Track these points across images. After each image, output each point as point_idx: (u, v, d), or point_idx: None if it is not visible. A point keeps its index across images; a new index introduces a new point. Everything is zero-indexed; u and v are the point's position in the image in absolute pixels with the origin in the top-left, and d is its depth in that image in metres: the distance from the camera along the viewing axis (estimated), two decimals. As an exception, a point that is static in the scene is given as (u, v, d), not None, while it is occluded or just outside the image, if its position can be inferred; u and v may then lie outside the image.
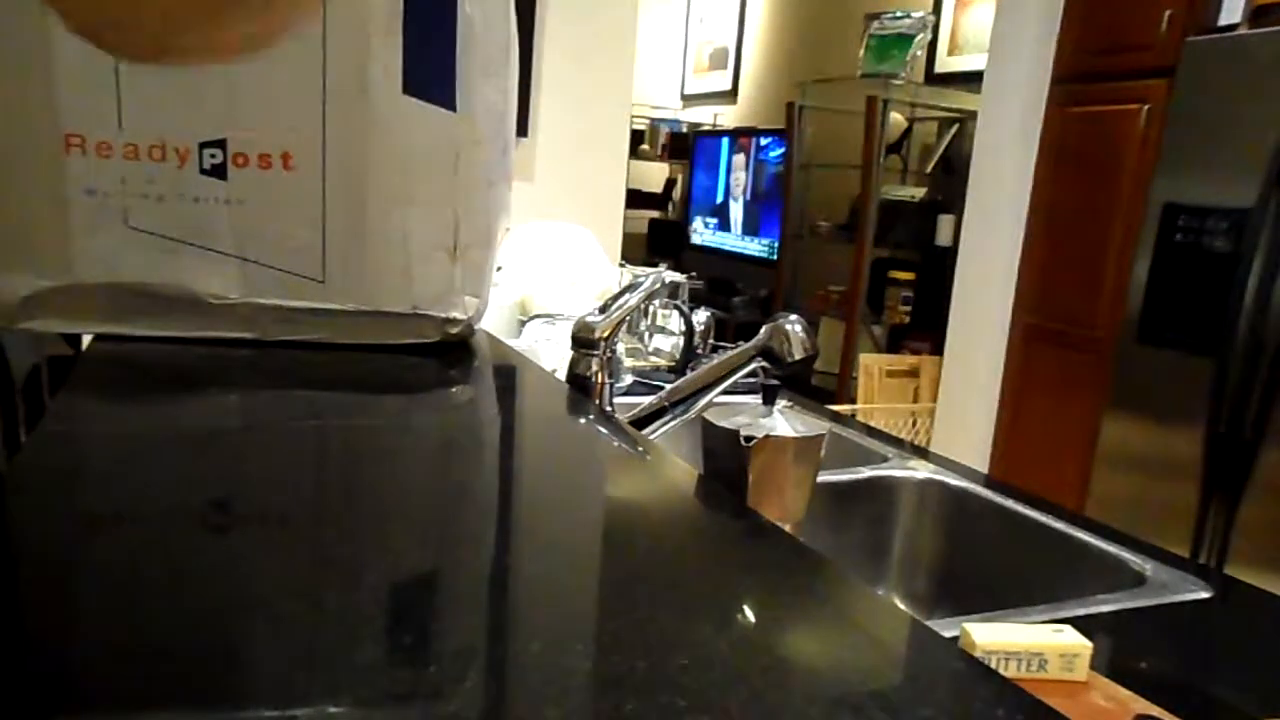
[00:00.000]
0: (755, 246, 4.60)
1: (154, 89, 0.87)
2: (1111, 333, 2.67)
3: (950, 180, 3.61)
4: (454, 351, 1.02)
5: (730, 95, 5.46)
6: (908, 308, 3.73)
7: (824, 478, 1.09)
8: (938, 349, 3.27)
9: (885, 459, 1.18)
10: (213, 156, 0.89)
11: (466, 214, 0.97)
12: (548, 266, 1.54)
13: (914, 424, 3.28)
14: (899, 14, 3.64)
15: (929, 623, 0.46)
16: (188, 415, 0.77)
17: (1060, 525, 0.99)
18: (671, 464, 0.72)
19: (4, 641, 0.36)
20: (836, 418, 1.35)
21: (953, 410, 3.11)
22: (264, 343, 0.94)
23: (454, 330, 1.00)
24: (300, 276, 0.92)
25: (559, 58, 1.87)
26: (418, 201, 0.94)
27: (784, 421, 0.80)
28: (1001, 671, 0.45)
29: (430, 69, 0.91)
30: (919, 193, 3.77)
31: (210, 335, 0.93)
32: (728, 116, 5.47)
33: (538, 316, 1.39)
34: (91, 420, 0.74)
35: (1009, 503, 1.05)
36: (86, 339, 0.97)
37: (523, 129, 1.84)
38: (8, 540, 0.48)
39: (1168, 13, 2.52)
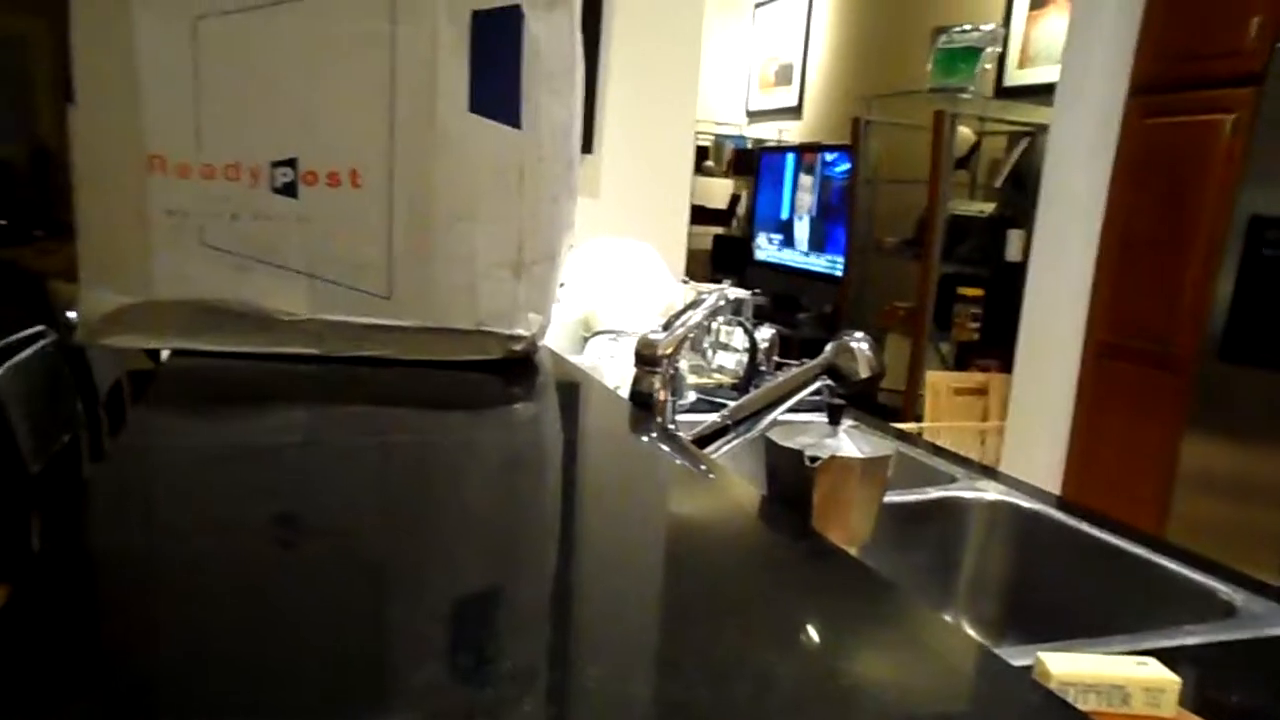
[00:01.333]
0: (820, 262, 4.56)
1: (230, 110, 0.90)
2: (1191, 350, 2.57)
3: (1020, 195, 3.53)
4: (517, 368, 1.03)
5: (795, 111, 5.44)
6: (976, 324, 3.65)
7: (890, 498, 1.07)
8: (1007, 366, 3.19)
9: (953, 479, 1.15)
10: (284, 175, 0.91)
11: (531, 231, 0.98)
12: (611, 283, 1.54)
13: (983, 443, 3.21)
14: (967, 27, 3.59)
15: (999, 651, 0.44)
16: (257, 430, 0.79)
17: (1141, 551, 0.95)
18: (734, 484, 0.71)
19: (82, 647, 0.37)
20: (903, 436, 1.33)
21: (1023, 429, 3.03)
22: (330, 358, 0.96)
23: (517, 347, 1.01)
24: (366, 293, 0.94)
25: (624, 75, 1.88)
26: (482, 218, 0.95)
27: (849, 441, 0.78)
28: (1080, 706, 0.43)
29: (496, 87, 0.92)
30: (988, 208, 3.70)
31: (279, 351, 0.94)
32: (793, 132, 5.44)
33: (601, 333, 1.39)
34: (167, 434, 0.76)
35: (1084, 526, 1.01)
36: (164, 353, 1.00)
37: (587, 146, 1.85)
38: (88, 547, 0.50)
39: (1256, 19, 2.44)
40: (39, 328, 1.27)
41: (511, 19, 0.91)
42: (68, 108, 0.89)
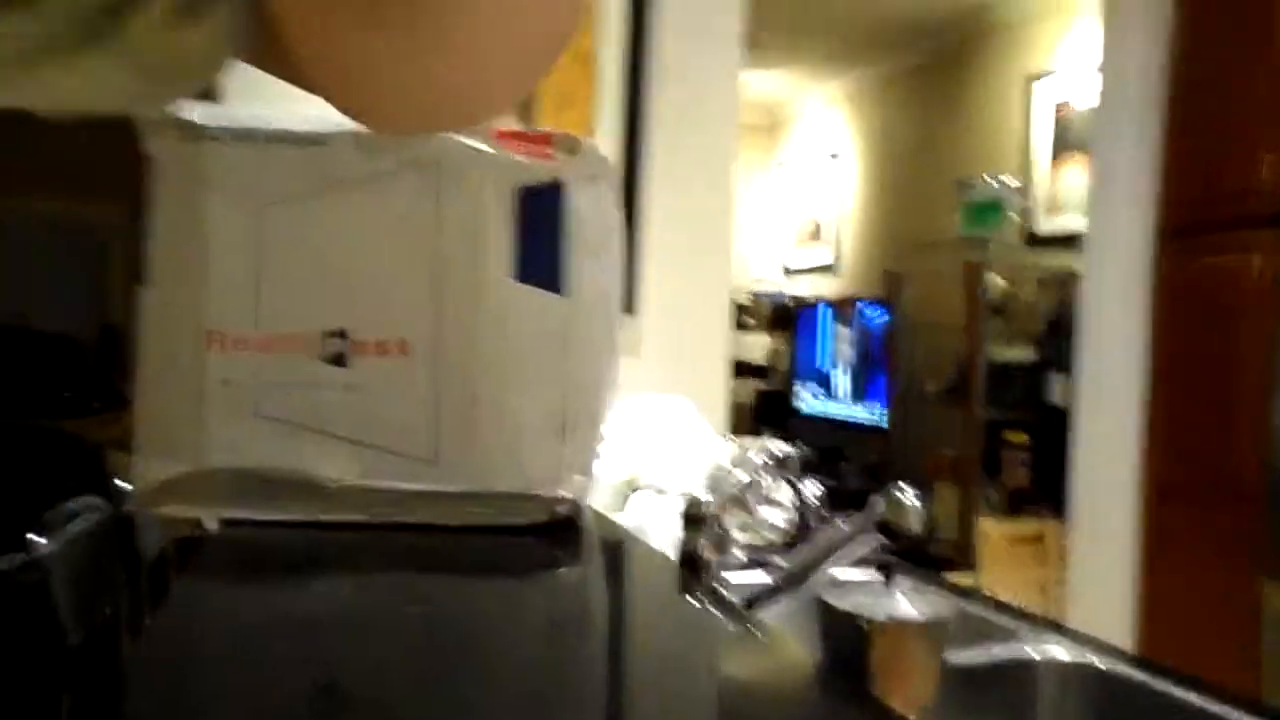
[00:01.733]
0: (862, 413, 4.54)
1: (287, 286, 0.94)
2: (1256, 482, 2.48)
3: (1059, 339, 3.53)
4: (562, 530, 1.02)
5: (831, 267, 5.55)
6: (1025, 470, 3.58)
7: (951, 657, 1.02)
8: (1061, 512, 3.10)
9: (1016, 634, 1.10)
10: (335, 345, 0.94)
11: (574, 394, 0.99)
12: (654, 440, 1.54)
13: (1044, 594, 3.08)
14: (989, 180, 3.68)
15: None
16: (300, 600, 0.78)
17: (1237, 715, 0.89)
18: (787, 647, 0.68)
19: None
20: (959, 590, 1.28)
21: (1085, 579, 2.91)
22: (375, 525, 0.96)
23: (562, 509, 1.00)
24: (412, 458, 0.95)
25: (663, 238, 1.95)
26: (526, 383, 0.96)
27: (906, 601, 0.76)
28: None
29: (539, 257, 0.96)
30: (1027, 353, 3.69)
31: (326, 518, 0.95)
32: (830, 287, 5.54)
33: (645, 491, 1.38)
34: (211, 603, 0.75)
35: (1169, 687, 0.96)
36: (210, 522, 1.01)
37: (628, 307, 1.90)
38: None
39: (1268, 157, 2.48)
40: (91, 498, 1.29)
41: (554, 192, 0.95)
42: (137, 288, 0.94)
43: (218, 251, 0.92)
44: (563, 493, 0.99)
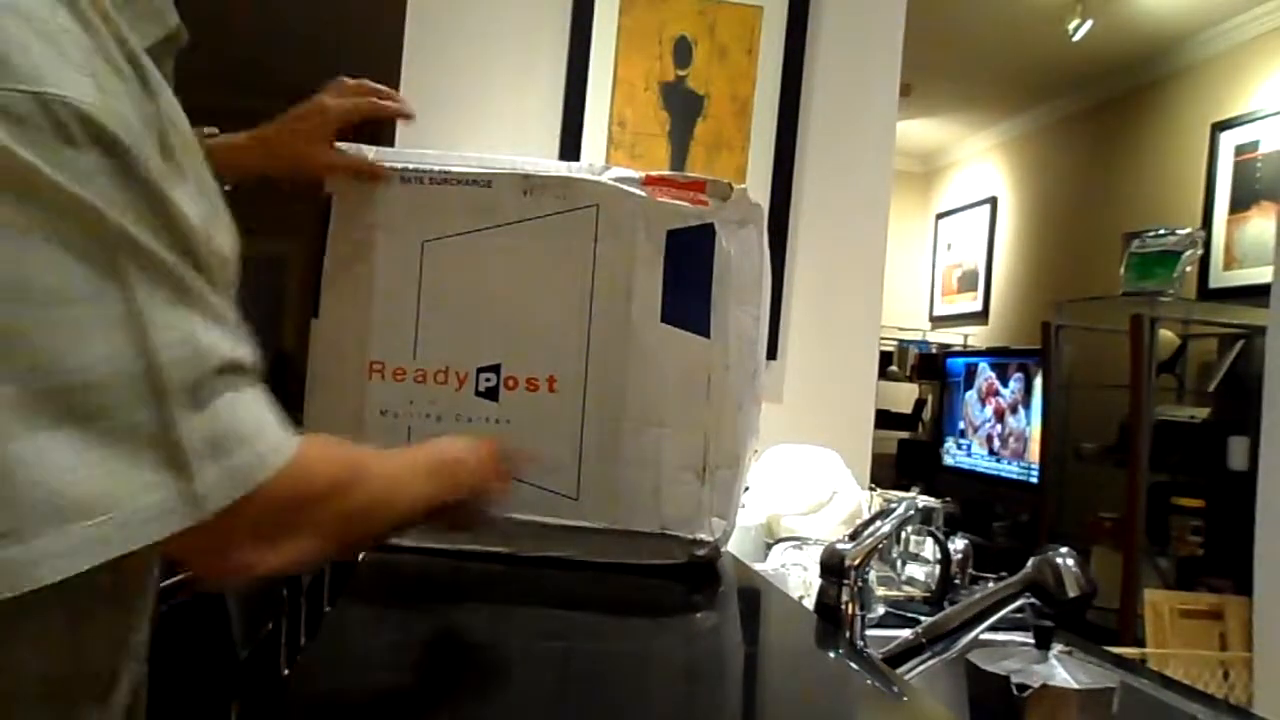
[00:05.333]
0: (1013, 469, 4.34)
1: (445, 321, 0.98)
2: None
3: (1238, 400, 3.28)
4: (700, 574, 1.01)
5: (981, 316, 5.36)
6: (1198, 538, 3.31)
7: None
8: (1242, 586, 2.85)
9: (1193, 717, 1.02)
10: (488, 380, 0.97)
11: (716, 436, 0.99)
12: (796, 489, 1.52)
13: (1226, 676, 2.83)
14: (1162, 231, 3.48)
15: None
16: (444, 629, 0.80)
17: None
18: (931, 709, 0.65)
19: None
20: (1124, 664, 1.19)
21: (1277, 661, 2.66)
22: (518, 558, 0.98)
23: (700, 552, 1.00)
24: (556, 494, 0.96)
25: (809, 284, 1.93)
26: (670, 423, 0.97)
27: (1063, 669, 0.71)
28: None
29: (687, 299, 0.97)
30: (1201, 413, 3.44)
31: (470, 548, 0.97)
32: (978, 337, 5.34)
33: (785, 540, 1.36)
34: (361, 629, 0.78)
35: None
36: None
37: (772, 352, 1.88)
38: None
39: None
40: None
41: (704, 236, 0.97)
42: (311, 321, 1.00)
43: (382, 285, 0.98)
44: (701, 535, 0.99)
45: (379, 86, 1.01)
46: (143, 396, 0.42)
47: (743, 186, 1.00)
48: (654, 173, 1.00)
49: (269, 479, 0.46)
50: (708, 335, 0.97)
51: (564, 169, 1.01)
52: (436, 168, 0.99)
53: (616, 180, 0.98)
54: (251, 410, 0.47)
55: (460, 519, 0.74)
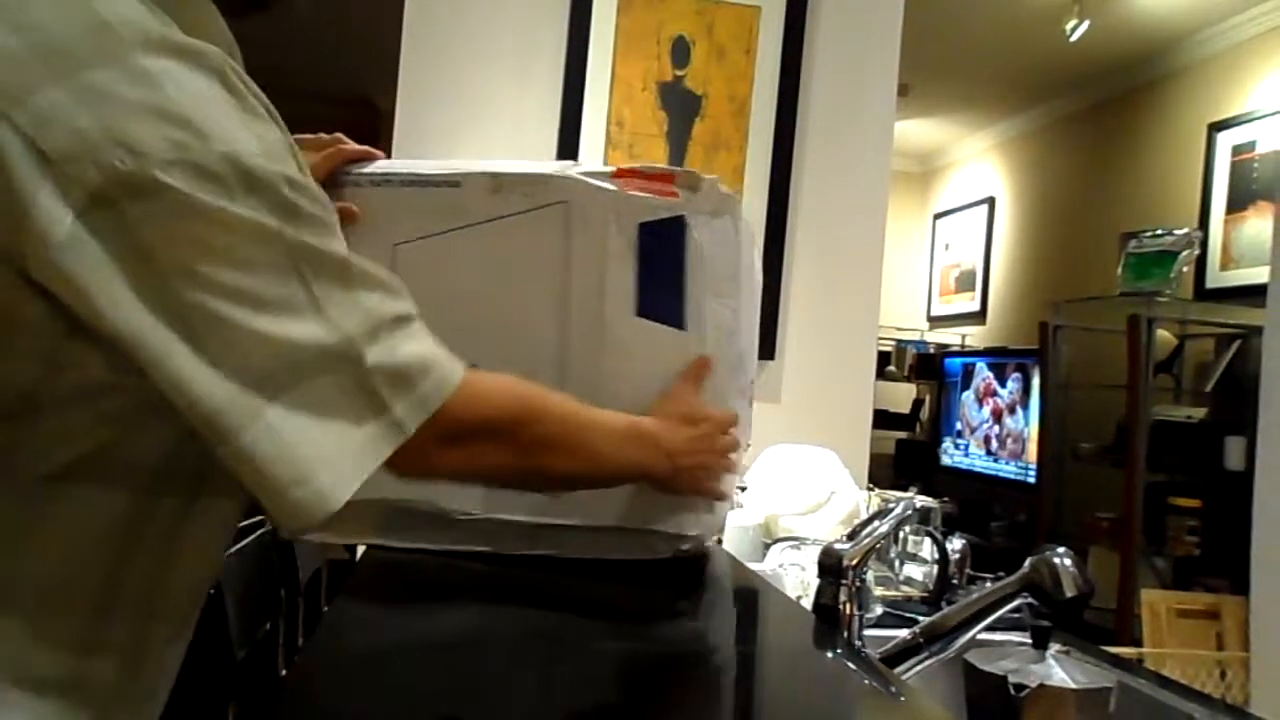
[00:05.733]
0: (1010, 469, 4.34)
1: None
2: None
3: (1235, 399, 3.28)
4: (690, 571, 1.01)
5: (978, 316, 5.37)
6: (1195, 538, 3.32)
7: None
8: (1239, 586, 2.86)
9: (1190, 717, 1.02)
10: None
11: None
12: (793, 489, 1.52)
13: (1222, 676, 2.83)
14: (1159, 231, 3.49)
15: None
16: (434, 628, 0.80)
17: None
18: (928, 709, 0.65)
19: None
20: (1121, 663, 1.20)
21: (1274, 661, 2.66)
22: (502, 556, 0.98)
23: (685, 546, 0.99)
24: (539, 492, 0.96)
25: (807, 284, 1.93)
26: (650, 416, 0.97)
27: (1060, 669, 0.71)
28: None
29: (661, 292, 0.96)
30: (1198, 413, 3.44)
31: (456, 548, 0.97)
32: (976, 337, 5.35)
33: (783, 540, 1.36)
34: (358, 629, 0.79)
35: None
36: (360, 547, 1.06)
37: (769, 352, 1.88)
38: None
39: None
40: (259, 518, 1.36)
41: (676, 227, 0.96)
42: None
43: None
44: (687, 530, 0.98)
45: (355, 147, 1.01)
46: (341, 360, 0.55)
47: (714, 178, 0.98)
48: (625, 166, 0.99)
49: (449, 398, 0.61)
50: (683, 327, 0.96)
51: (533, 167, 1.00)
52: (405, 171, 0.98)
53: (585, 175, 0.97)
54: (421, 346, 0.61)
55: (691, 488, 0.92)
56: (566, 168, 0.99)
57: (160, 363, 0.49)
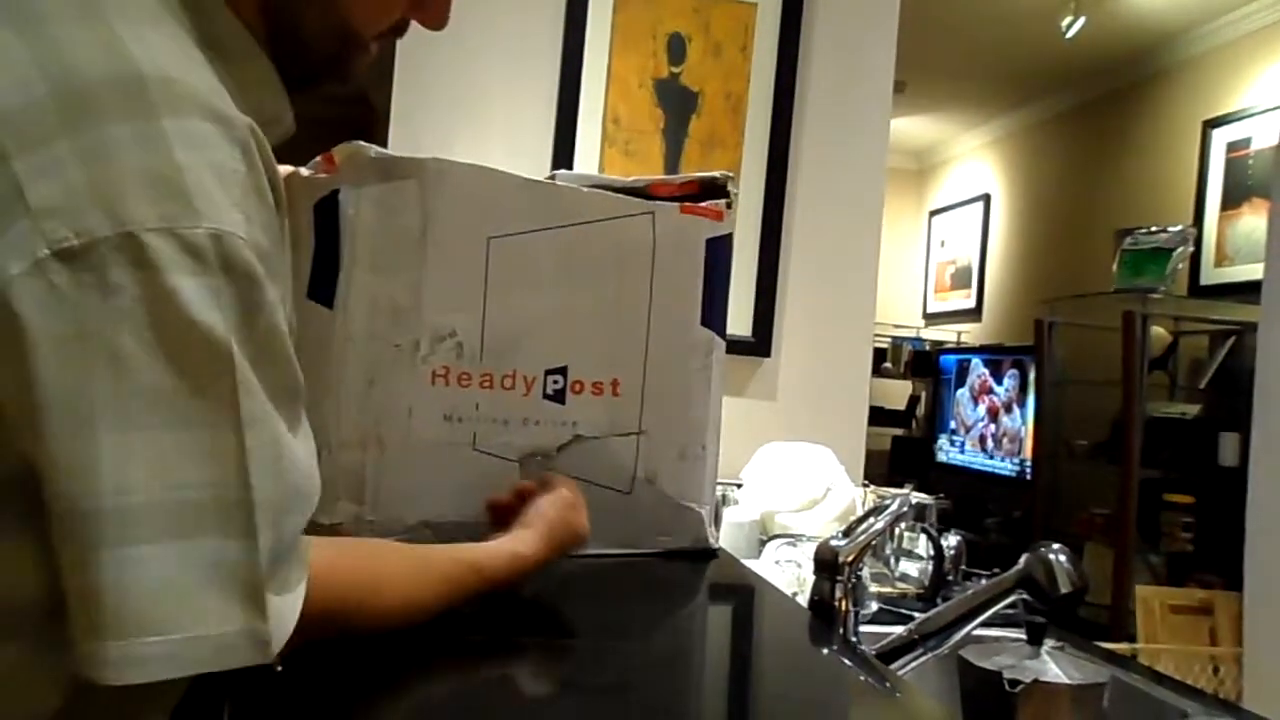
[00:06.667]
0: (1005, 465, 4.36)
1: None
2: None
3: (1229, 396, 3.29)
4: (688, 568, 1.01)
5: (974, 314, 5.38)
6: (1189, 535, 3.33)
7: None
8: (1232, 582, 2.87)
9: (1185, 715, 1.02)
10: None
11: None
12: (789, 485, 1.53)
13: (1215, 671, 2.84)
14: (1154, 228, 3.50)
15: None
16: (432, 620, 0.80)
17: None
18: (924, 705, 0.66)
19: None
20: (1115, 659, 1.20)
21: (1266, 656, 2.67)
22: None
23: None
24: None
25: (803, 281, 1.93)
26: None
27: (1054, 664, 0.72)
28: None
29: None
30: (1192, 409, 3.45)
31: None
32: (972, 334, 5.36)
33: (779, 537, 1.37)
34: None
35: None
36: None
37: (766, 350, 1.89)
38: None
39: None
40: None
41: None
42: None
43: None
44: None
45: None
46: (238, 525, 0.47)
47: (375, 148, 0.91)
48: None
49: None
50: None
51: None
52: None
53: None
54: (301, 538, 0.52)
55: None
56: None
57: (51, 437, 0.44)
